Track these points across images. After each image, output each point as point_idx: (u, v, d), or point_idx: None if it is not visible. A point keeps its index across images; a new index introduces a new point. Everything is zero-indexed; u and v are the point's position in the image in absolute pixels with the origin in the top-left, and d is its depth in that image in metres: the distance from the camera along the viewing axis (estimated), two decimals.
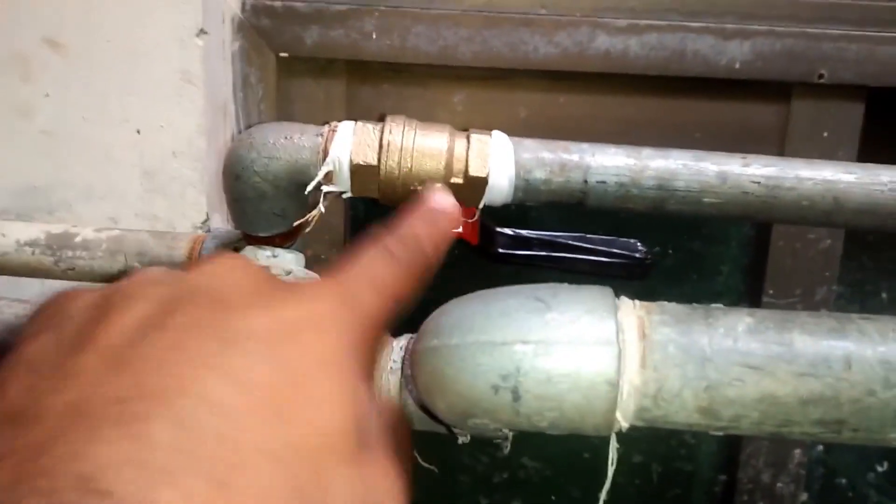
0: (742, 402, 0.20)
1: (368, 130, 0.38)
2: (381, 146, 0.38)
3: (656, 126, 0.59)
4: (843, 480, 0.69)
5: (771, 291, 0.62)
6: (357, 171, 0.38)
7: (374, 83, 0.59)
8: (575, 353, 0.21)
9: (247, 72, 0.56)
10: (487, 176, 0.37)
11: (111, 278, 0.47)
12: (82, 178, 0.55)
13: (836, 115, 0.58)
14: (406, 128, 0.38)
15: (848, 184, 0.37)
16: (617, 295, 0.25)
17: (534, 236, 0.43)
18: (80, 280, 0.49)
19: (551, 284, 0.24)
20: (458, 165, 0.38)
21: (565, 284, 0.24)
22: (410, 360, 0.28)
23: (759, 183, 0.37)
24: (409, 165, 0.38)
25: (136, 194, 0.55)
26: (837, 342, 0.21)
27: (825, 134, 0.59)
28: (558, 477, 0.68)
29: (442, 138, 0.38)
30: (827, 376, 0.20)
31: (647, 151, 0.38)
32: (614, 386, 0.21)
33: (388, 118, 0.39)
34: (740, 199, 0.38)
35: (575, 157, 0.38)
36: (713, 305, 0.24)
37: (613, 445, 0.22)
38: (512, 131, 0.59)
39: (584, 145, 0.38)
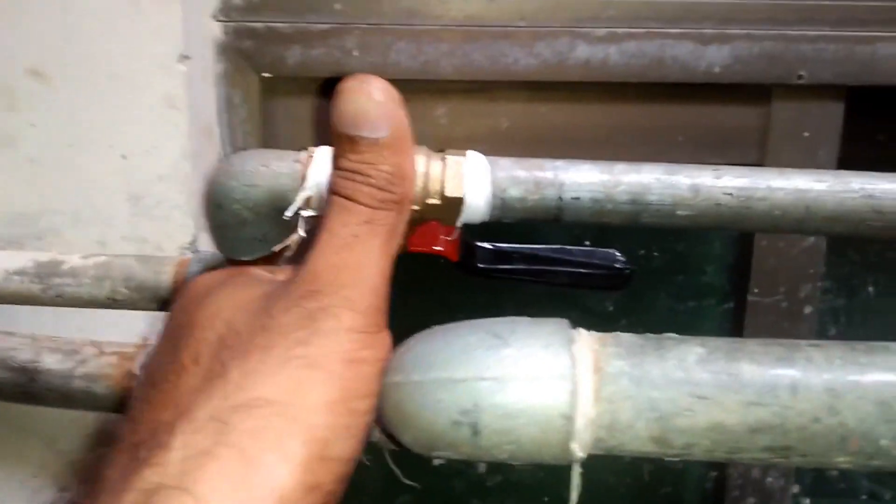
0: (693, 431, 0.21)
1: None
2: None
3: (638, 132, 0.59)
4: (835, 472, 0.70)
5: (756, 290, 0.62)
6: None
7: None
8: (531, 388, 0.21)
9: (230, 94, 0.57)
10: (463, 196, 0.38)
11: (99, 304, 0.48)
12: (70, 203, 0.55)
13: (817, 115, 0.59)
14: None
15: (819, 192, 0.37)
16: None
17: (514, 250, 0.43)
18: (68, 306, 0.50)
19: (510, 319, 0.24)
20: (435, 186, 0.38)
21: (524, 319, 0.25)
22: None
23: (731, 194, 0.38)
24: None
25: (123, 218, 0.55)
26: (784, 370, 0.21)
27: (806, 134, 0.59)
28: (552, 479, 0.69)
29: (418, 160, 0.39)
30: (773, 405, 0.20)
31: (619, 167, 0.38)
32: (569, 419, 0.21)
33: None
34: (713, 210, 0.38)
35: (549, 175, 0.38)
36: (666, 335, 0.25)
37: (576, 472, 0.23)
38: (494, 142, 0.60)
39: (559, 162, 0.39)
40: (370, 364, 0.27)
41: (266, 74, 0.56)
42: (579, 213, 0.38)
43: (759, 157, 0.60)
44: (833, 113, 0.59)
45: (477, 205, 0.38)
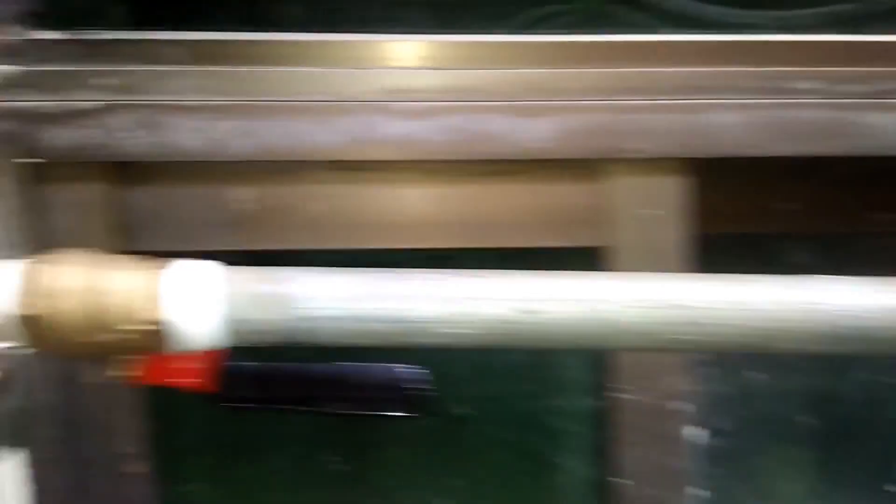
0: None
1: (38, 271, 0.31)
2: (51, 291, 0.31)
3: (463, 214, 0.54)
4: None
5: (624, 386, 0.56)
6: (27, 323, 0.31)
7: (144, 184, 0.52)
8: None
9: None
10: (167, 321, 0.31)
11: None
12: None
13: (660, 190, 0.54)
14: (85, 266, 0.31)
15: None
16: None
17: (273, 369, 0.36)
18: None
19: None
20: (141, 309, 0.31)
21: None
22: None
23: (518, 310, 0.31)
24: (82, 312, 0.31)
25: None
26: None
27: (650, 211, 0.54)
28: None
29: (128, 276, 0.31)
30: None
31: (378, 275, 0.32)
32: None
33: (64, 254, 0.32)
34: (497, 328, 0.32)
35: (284, 288, 0.31)
36: None
37: None
38: (309, 228, 0.53)
39: (297, 272, 0.32)
40: None
41: (33, 160, 0.49)
42: (324, 334, 0.32)
43: (600, 238, 0.54)
44: (677, 187, 0.54)
45: (197, 331, 0.31)
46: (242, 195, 0.52)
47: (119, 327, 0.31)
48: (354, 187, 0.52)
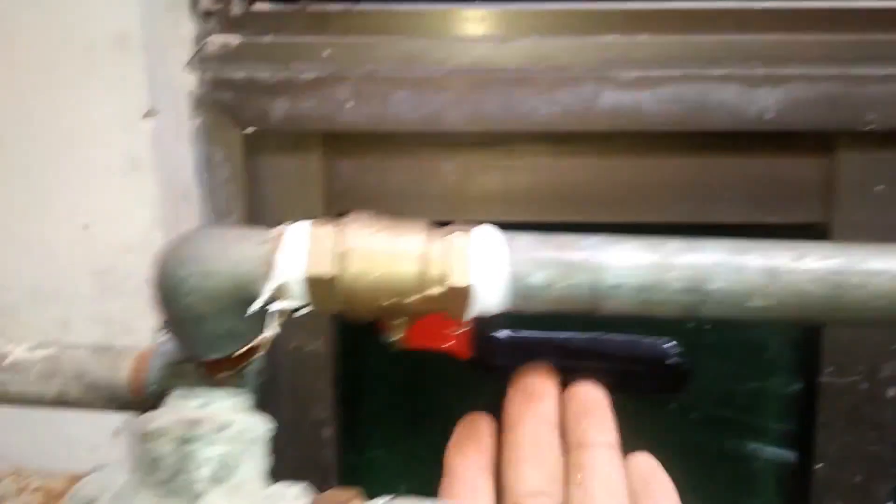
0: None
1: (325, 234, 0.31)
2: (339, 253, 0.31)
3: (676, 189, 0.51)
4: None
5: (830, 369, 0.53)
6: (313, 284, 0.31)
7: (355, 155, 0.52)
8: None
9: (210, 152, 0.50)
10: (472, 284, 0.30)
11: (47, 403, 0.40)
12: (27, 280, 0.48)
13: (892, 167, 0.50)
14: (370, 228, 0.31)
15: None
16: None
17: (537, 340, 0.35)
18: (12, 405, 0.42)
19: None
20: (436, 272, 0.30)
21: None
22: None
23: (818, 280, 0.29)
24: (377, 275, 0.30)
25: (87, 295, 0.48)
26: None
27: (878, 188, 0.51)
28: None
29: (415, 239, 0.31)
30: None
31: (672, 245, 0.30)
32: None
33: (350, 217, 0.32)
34: (794, 301, 0.30)
35: (582, 256, 0.30)
36: None
37: None
38: (512, 200, 0.52)
39: (594, 239, 0.31)
40: None
41: (250, 130, 0.49)
42: (620, 305, 0.30)
43: (823, 214, 0.51)
44: None
45: (490, 294, 0.30)
46: (454, 167, 0.51)
47: (414, 291, 0.30)
48: (569, 159, 0.51)
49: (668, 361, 0.35)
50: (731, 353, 0.58)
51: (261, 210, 0.52)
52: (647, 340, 0.35)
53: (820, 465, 0.55)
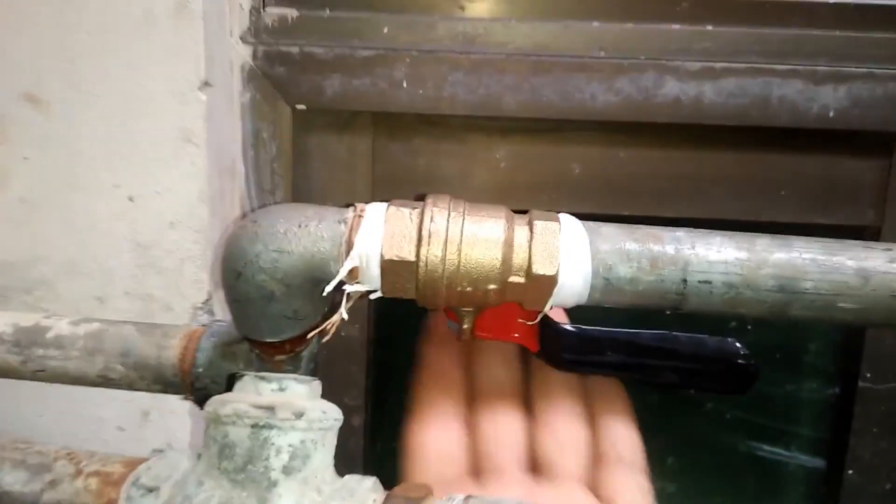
0: None
1: (404, 216, 0.30)
2: (420, 236, 0.30)
3: (734, 184, 0.50)
4: None
5: (868, 375, 0.53)
6: (390, 267, 0.30)
7: (405, 138, 0.51)
8: None
9: (258, 127, 0.49)
10: (557, 274, 0.29)
11: (89, 381, 0.39)
12: (65, 251, 0.47)
13: None
14: (452, 212, 0.30)
15: None
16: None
17: (607, 336, 0.34)
18: (52, 382, 0.41)
19: None
20: (520, 260, 0.29)
21: None
22: None
23: None
24: (457, 261, 0.29)
25: (126, 270, 0.47)
26: None
27: None
28: None
29: (498, 225, 0.30)
30: None
31: (762, 242, 0.30)
32: None
33: (430, 199, 0.31)
34: (885, 303, 0.29)
35: (670, 250, 0.29)
36: None
37: None
38: (564, 190, 0.51)
39: (680, 233, 0.30)
40: None
41: (300, 106, 0.48)
42: (708, 302, 0.29)
43: (875, 218, 0.51)
44: None
45: (573, 285, 0.29)
46: (506, 154, 0.50)
47: (496, 279, 0.29)
48: (625, 150, 0.50)
49: (737, 361, 0.34)
50: (769, 356, 0.58)
51: (306, 189, 0.51)
52: (715, 339, 0.34)
53: (850, 471, 0.55)
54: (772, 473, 0.60)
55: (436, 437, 0.33)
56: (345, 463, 0.57)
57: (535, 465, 0.32)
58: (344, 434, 0.56)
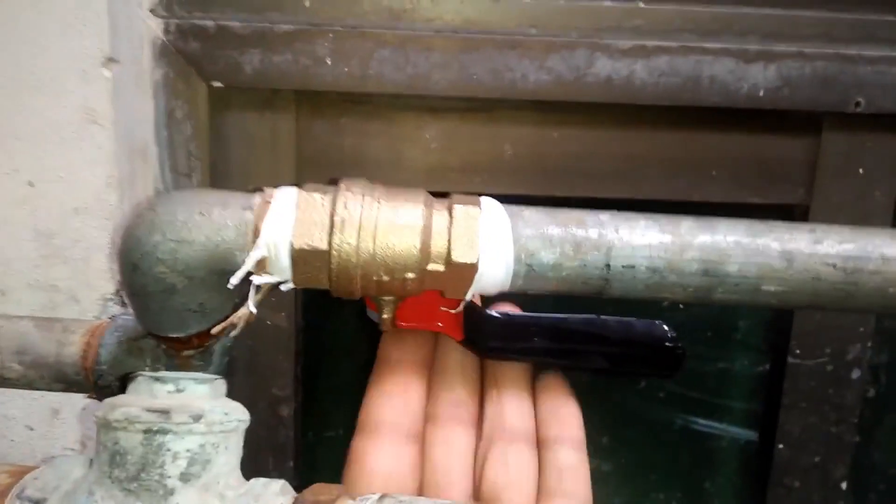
0: None
1: (315, 201, 0.28)
2: (332, 223, 0.28)
3: (666, 164, 0.50)
4: None
5: (798, 351, 0.53)
6: (300, 256, 0.28)
7: (330, 117, 0.49)
8: None
9: (172, 106, 0.46)
10: (478, 262, 0.28)
11: None
12: None
13: (875, 150, 0.50)
14: (367, 197, 0.28)
15: None
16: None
17: (533, 321, 0.33)
18: None
19: None
20: (438, 248, 0.28)
21: None
22: None
23: (834, 266, 0.28)
24: (372, 249, 0.28)
25: (28, 260, 0.44)
26: None
27: (861, 170, 0.50)
28: None
29: (416, 211, 0.28)
30: None
31: (686, 224, 0.29)
32: None
33: (343, 183, 0.29)
34: (809, 286, 0.28)
35: (593, 234, 0.28)
36: None
37: None
38: (496, 171, 0.50)
39: (605, 216, 0.29)
40: None
41: (217, 84, 0.46)
42: (631, 287, 0.28)
43: (804, 196, 0.51)
44: (893, 147, 0.50)
45: (494, 273, 0.28)
46: (436, 134, 0.49)
47: (414, 267, 0.28)
48: (557, 130, 0.49)
49: (665, 344, 0.33)
50: (700, 334, 0.58)
51: (224, 172, 0.48)
52: (643, 322, 0.33)
53: (781, 445, 0.56)
54: (707, 448, 0.61)
55: (384, 455, 0.31)
56: (275, 455, 0.56)
57: (481, 496, 0.31)
58: (272, 425, 0.54)
